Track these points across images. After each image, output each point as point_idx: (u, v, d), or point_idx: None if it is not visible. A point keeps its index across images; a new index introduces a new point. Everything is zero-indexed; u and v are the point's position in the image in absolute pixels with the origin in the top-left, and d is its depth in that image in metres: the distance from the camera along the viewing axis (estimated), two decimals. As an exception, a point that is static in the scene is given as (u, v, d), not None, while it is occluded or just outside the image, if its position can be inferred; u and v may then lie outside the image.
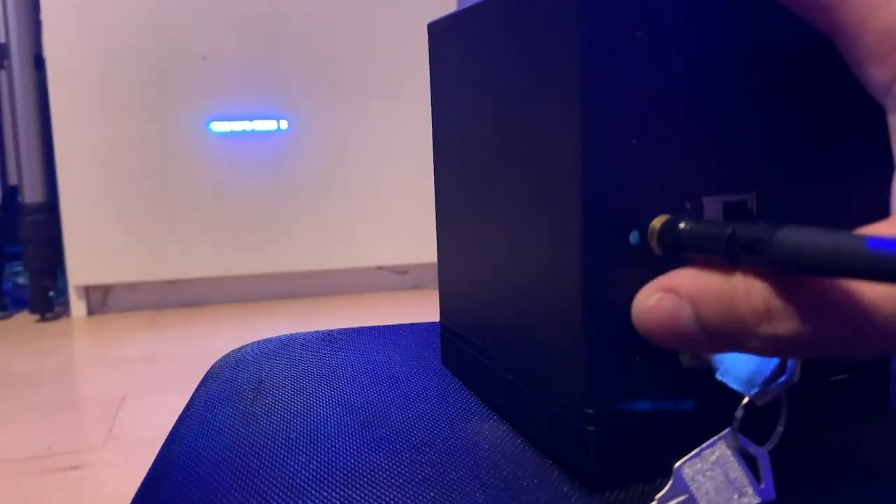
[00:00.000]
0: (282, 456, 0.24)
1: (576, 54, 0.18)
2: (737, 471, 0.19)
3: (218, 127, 1.69)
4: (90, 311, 1.72)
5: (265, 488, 0.23)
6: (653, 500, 0.19)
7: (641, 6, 0.18)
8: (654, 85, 0.18)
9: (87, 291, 1.71)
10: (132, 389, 1.24)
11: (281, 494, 0.22)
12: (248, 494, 0.22)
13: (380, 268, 1.87)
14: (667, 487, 0.19)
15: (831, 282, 0.15)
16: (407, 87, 1.75)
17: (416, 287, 1.90)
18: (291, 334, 0.38)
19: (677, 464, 0.19)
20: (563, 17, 0.18)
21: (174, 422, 0.31)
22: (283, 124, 1.73)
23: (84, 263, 1.65)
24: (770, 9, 0.19)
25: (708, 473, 0.19)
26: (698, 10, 0.18)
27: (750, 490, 0.19)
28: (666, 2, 0.18)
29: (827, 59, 0.18)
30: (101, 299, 1.73)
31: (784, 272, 0.15)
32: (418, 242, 1.81)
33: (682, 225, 0.18)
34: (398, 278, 1.89)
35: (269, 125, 1.72)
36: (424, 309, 1.71)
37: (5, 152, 1.72)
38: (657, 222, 0.18)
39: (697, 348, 0.19)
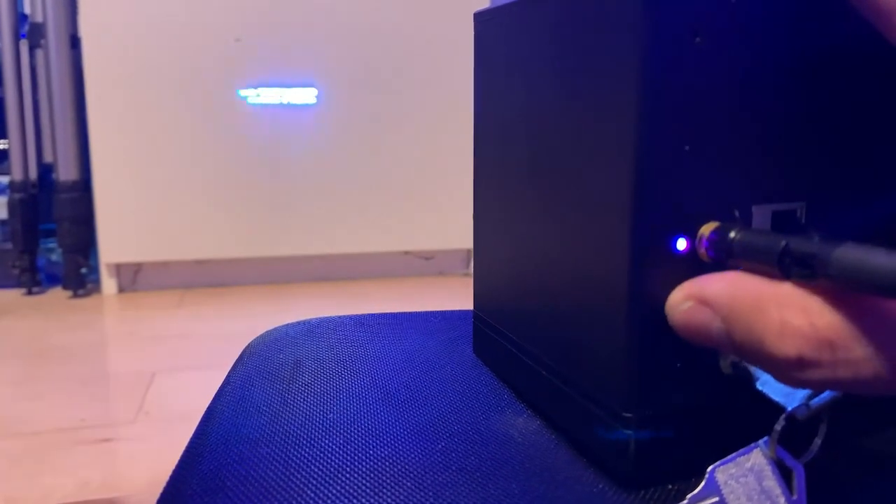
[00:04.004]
0: (319, 437, 0.25)
1: (634, 58, 0.18)
2: (771, 480, 0.19)
3: (251, 109, 1.70)
4: (120, 289, 1.75)
5: (303, 467, 0.23)
6: (684, 498, 0.20)
7: (701, 14, 0.18)
8: (709, 92, 0.18)
9: (118, 269, 1.75)
10: (162, 366, 1.26)
11: (318, 474, 0.23)
12: (287, 472, 0.23)
13: (406, 252, 1.88)
14: (699, 488, 0.19)
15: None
16: (440, 73, 1.74)
17: (441, 273, 1.90)
18: (325, 317, 0.38)
19: (711, 466, 0.19)
20: (624, 21, 0.18)
21: (204, 398, 0.31)
22: (314, 102, 1.74)
23: (116, 241, 1.68)
24: (827, 19, 0.18)
25: (741, 480, 0.19)
26: (756, 19, 0.18)
27: (782, 500, 0.19)
28: (725, 10, 0.18)
29: (881, 69, 0.18)
30: (132, 277, 1.77)
31: (838, 289, 0.15)
32: (445, 228, 1.81)
33: (732, 234, 0.18)
34: (424, 263, 1.90)
35: (302, 103, 1.73)
36: (450, 295, 1.71)
37: (41, 130, 1.76)
38: (706, 229, 0.18)
39: (730, 354, 0.19)
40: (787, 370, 0.15)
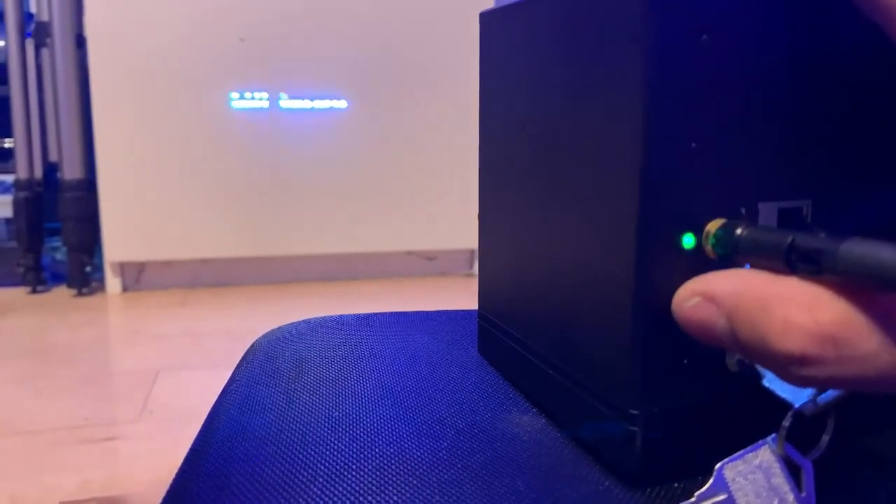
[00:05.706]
0: (325, 435, 0.25)
1: (640, 55, 0.18)
2: (779, 477, 0.19)
3: (255, 111, 1.71)
4: (125, 288, 1.76)
5: (309, 465, 0.23)
6: (691, 496, 0.19)
7: (707, 11, 0.18)
8: (716, 89, 0.18)
9: (122, 268, 1.75)
10: (166, 364, 1.27)
11: (324, 472, 0.23)
12: (293, 470, 0.23)
13: (409, 253, 1.88)
14: (707, 485, 0.19)
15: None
16: (442, 73, 1.74)
17: (444, 273, 1.90)
18: (329, 316, 0.38)
19: (719, 464, 0.19)
20: (630, 19, 0.18)
21: (207, 397, 0.32)
22: (315, 106, 1.74)
23: (120, 240, 1.69)
24: (833, 17, 0.18)
25: (749, 476, 0.19)
26: (762, 17, 0.18)
27: (791, 497, 0.19)
28: (731, 8, 0.18)
29: (887, 68, 0.18)
30: (136, 276, 1.77)
31: (844, 285, 0.15)
32: (448, 229, 1.81)
33: (738, 230, 0.18)
34: (427, 264, 1.90)
35: (304, 107, 1.73)
36: (453, 296, 1.71)
37: (46, 129, 1.76)
38: (713, 226, 0.18)
39: (735, 352, 0.19)
40: (791, 368, 0.15)
